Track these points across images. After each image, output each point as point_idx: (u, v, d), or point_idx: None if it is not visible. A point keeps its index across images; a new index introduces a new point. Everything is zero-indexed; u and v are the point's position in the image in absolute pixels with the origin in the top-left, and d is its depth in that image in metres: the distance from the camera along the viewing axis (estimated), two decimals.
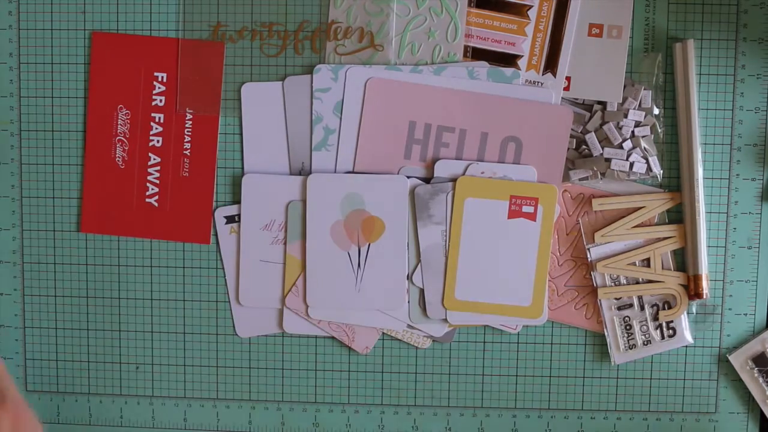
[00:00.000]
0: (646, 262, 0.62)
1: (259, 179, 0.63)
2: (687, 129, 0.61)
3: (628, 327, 0.63)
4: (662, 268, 0.62)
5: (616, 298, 0.63)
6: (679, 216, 0.62)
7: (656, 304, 0.63)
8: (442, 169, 0.62)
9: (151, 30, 0.64)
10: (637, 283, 0.63)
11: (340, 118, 0.63)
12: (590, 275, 0.63)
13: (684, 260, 0.62)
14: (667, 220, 0.62)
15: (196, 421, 0.67)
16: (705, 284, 0.61)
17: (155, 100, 0.64)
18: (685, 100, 0.61)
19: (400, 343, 0.65)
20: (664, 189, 0.62)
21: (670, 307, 0.63)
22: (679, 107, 0.61)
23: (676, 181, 0.62)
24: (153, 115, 0.64)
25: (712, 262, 0.63)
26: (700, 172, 0.61)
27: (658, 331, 0.63)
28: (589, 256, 0.63)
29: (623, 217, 0.62)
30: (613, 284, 0.63)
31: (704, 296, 0.61)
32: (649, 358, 0.64)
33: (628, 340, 0.63)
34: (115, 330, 0.66)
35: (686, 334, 0.63)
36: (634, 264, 0.62)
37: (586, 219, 0.63)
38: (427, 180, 0.62)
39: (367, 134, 0.62)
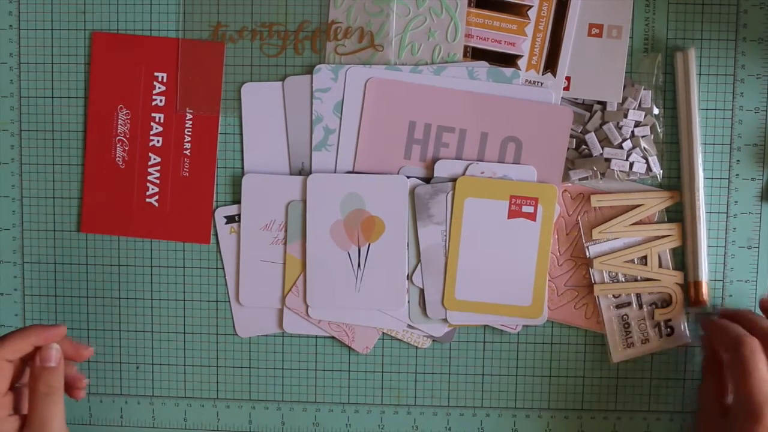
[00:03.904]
0: (645, 260, 0.62)
1: (259, 179, 0.63)
2: (688, 138, 0.61)
3: (626, 325, 0.63)
4: (659, 267, 0.62)
5: (614, 296, 0.63)
6: (678, 215, 0.62)
7: (655, 303, 0.63)
8: (442, 169, 0.62)
9: (151, 30, 0.64)
10: (636, 281, 0.63)
11: (340, 118, 0.63)
12: (590, 275, 0.63)
13: (684, 263, 0.62)
14: (666, 219, 0.62)
15: (196, 421, 0.67)
16: (705, 291, 0.61)
17: (155, 100, 0.64)
18: (686, 110, 0.61)
19: (400, 343, 0.65)
20: (663, 188, 0.62)
21: (668, 305, 0.63)
22: (680, 118, 0.61)
23: (676, 181, 0.62)
24: (153, 115, 0.64)
25: (711, 262, 0.63)
26: (700, 176, 0.61)
27: (656, 329, 0.63)
28: (588, 254, 0.63)
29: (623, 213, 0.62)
30: (611, 282, 0.63)
31: (705, 304, 0.61)
32: (648, 358, 0.64)
33: (626, 339, 0.63)
34: (115, 330, 0.66)
35: (684, 333, 0.63)
36: (632, 261, 0.62)
37: (585, 219, 0.63)
38: (427, 180, 0.62)
39: (367, 134, 0.62)
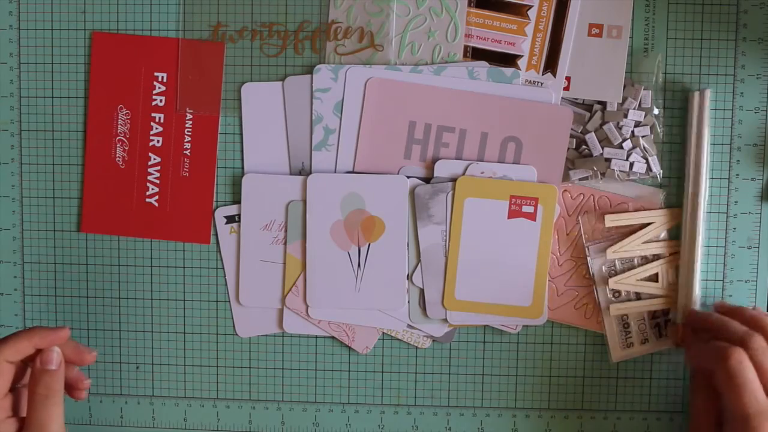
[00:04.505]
0: (654, 276, 0.63)
1: (259, 179, 0.63)
2: (693, 202, 0.61)
3: (626, 326, 0.63)
4: (669, 283, 0.62)
5: (614, 296, 0.63)
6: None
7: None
8: (442, 169, 0.62)
9: (151, 30, 0.64)
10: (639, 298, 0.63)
11: (340, 118, 0.63)
12: (590, 274, 0.63)
13: (677, 306, 0.62)
14: (668, 236, 0.63)
15: (196, 421, 0.67)
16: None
17: (155, 100, 0.64)
18: (695, 156, 0.61)
19: (400, 343, 0.65)
20: (663, 189, 0.62)
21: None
22: (689, 164, 0.61)
23: (675, 180, 0.62)
24: (153, 115, 0.64)
25: (712, 262, 0.63)
26: (699, 239, 0.61)
27: (656, 329, 0.63)
28: (588, 253, 0.63)
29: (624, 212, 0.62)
30: (608, 276, 0.63)
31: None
32: (648, 358, 0.64)
33: (626, 339, 0.63)
34: (115, 330, 0.66)
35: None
36: (644, 279, 0.63)
37: (585, 218, 0.63)
38: (427, 180, 0.62)
39: (367, 134, 0.62)
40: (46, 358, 0.56)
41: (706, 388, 0.58)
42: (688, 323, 0.61)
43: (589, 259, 0.63)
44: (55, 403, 0.55)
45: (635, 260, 0.63)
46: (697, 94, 0.61)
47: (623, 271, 0.63)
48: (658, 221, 0.62)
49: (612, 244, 0.62)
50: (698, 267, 0.61)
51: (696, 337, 0.60)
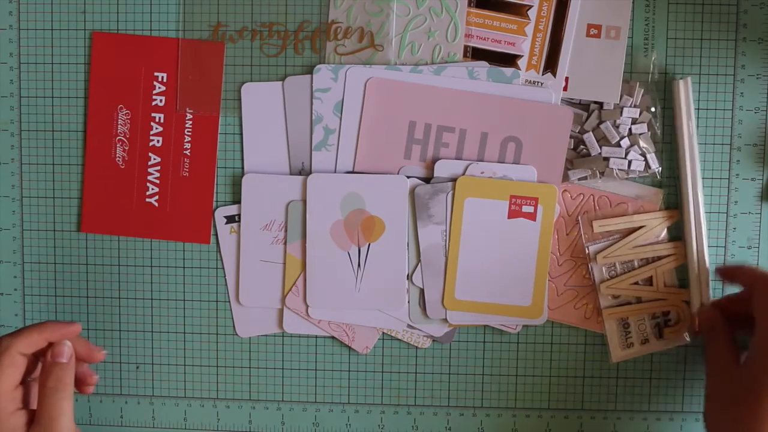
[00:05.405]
0: (649, 280, 0.63)
1: (259, 179, 0.63)
2: (694, 193, 0.61)
3: (625, 326, 0.63)
4: (665, 286, 0.62)
5: (614, 297, 0.63)
6: (679, 233, 0.62)
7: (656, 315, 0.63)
8: (442, 169, 0.62)
9: (151, 30, 0.64)
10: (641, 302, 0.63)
11: (340, 118, 0.63)
12: (590, 275, 0.63)
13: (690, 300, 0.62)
14: (668, 237, 0.62)
15: (196, 421, 0.67)
16: None
17: (155, 100, 0.64)
18: (690, 161, 0.61)
19: (400, 343, 0.65)
20: (663, 188, 0.62)
21: (676, 322, 0.63)
22: (681, 170, 0.61)
23: (675, 180, 0.62)
24: (153, 115, 0.64)
25: (712, 263, 0.63)
26: (704, 234, 0.61)
27: (656, 329, 0.63)
28: (588, 253, 0.63)
29: (624, 214, 0.62)
30: (608, 277, 0.63)
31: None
32: (648, 358, 0.64)
33: (625, 339, 0.63)
34: (115, 330, 0.66)
35: (684, 334, 0.63)
36: (637, 283, 0.62)
37: (585, 218, 0.63)
38: (427, 180, 0.62)
39: (367, 134, 0.62)
40: (58, 351, 0.56)
41: (725, 334, 0.58)
42: (722, 271, 0.60)
43: (590, 263, 0.63)
44: (65, 397, 0.55)
45: (635, 262, 0.63)
46: (681, 83, 0.61)
47: (624, 272, 0.63)
48: (649, 225, 0.62)
49: (615, 243, 0.62)
50: (707, 260, 0.61)
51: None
